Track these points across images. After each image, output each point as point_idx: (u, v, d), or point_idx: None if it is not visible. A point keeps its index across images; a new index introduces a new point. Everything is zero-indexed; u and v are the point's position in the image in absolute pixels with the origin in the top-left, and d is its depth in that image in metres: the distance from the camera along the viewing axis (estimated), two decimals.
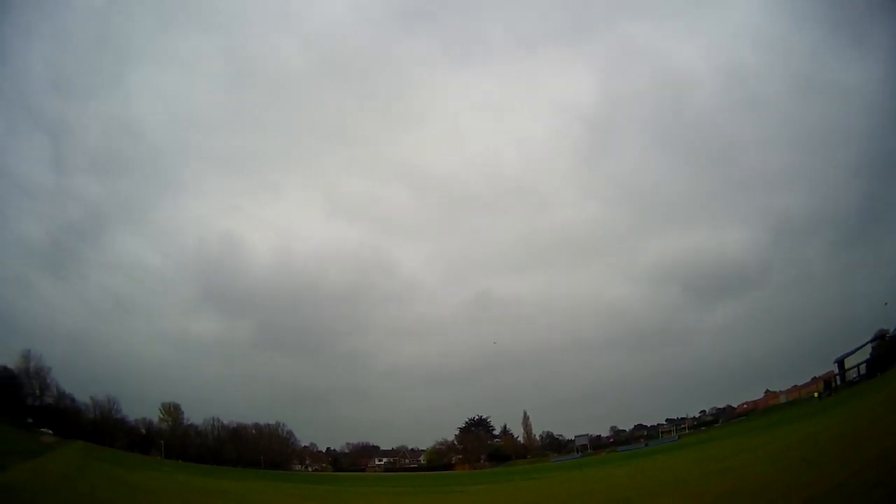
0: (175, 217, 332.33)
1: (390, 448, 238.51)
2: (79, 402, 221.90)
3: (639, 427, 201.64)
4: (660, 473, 63.33)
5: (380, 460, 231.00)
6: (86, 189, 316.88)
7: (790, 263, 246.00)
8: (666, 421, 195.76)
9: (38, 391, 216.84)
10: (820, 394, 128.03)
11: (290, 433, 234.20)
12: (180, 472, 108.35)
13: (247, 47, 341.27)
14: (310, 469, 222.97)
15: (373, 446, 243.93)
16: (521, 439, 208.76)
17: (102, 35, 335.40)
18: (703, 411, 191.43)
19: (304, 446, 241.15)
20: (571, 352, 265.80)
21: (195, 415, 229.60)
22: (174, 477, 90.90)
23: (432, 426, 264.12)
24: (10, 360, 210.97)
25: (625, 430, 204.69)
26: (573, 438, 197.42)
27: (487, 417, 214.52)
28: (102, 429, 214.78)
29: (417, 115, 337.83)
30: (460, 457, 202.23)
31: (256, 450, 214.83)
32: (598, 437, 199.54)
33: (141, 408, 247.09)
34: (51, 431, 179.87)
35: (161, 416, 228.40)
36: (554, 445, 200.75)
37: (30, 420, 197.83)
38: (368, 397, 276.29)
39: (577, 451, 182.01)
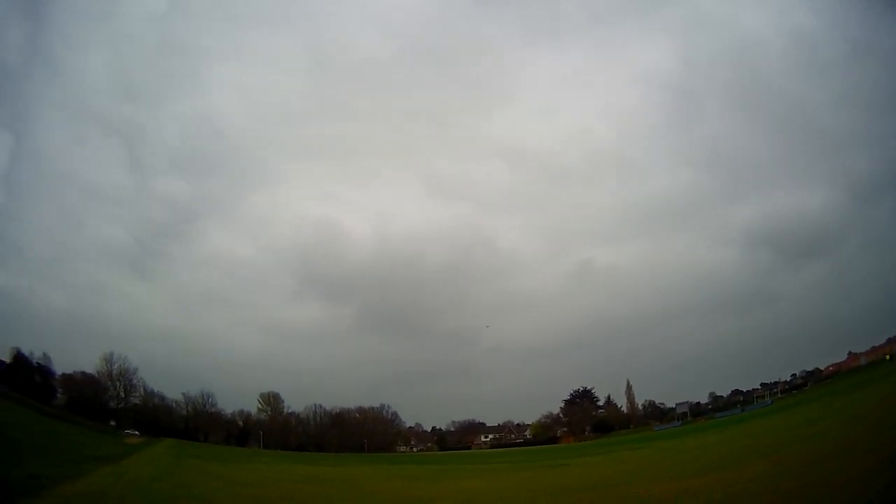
0: (267, 208, 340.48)
1: (496, 424, 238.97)
2: (169, 399, 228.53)
3: (735, 392, 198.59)
4: (752, 440, 62.61)
5: (486, 437, 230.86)
6: (170, 189, 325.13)
7: (867, 224, 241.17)
8: (760, 385, 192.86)
9: (122, 393, 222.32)
10: (892, 355, 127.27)
11: (395, 415, 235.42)
12: (281, 462, 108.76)
13: (326, 38, 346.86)
14: (415, 450, 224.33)
15: (479, 423, 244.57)
16: (624, 409, 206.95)
17: (168, 38, 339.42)
18: (794, 375, 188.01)
19: (410, 427, 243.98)
20: (671, 318, 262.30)
21: (296, 403, 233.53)
22: (274, 467, 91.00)
23: (538, 400, 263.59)
24: (93, 365, 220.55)
25: (722, 396, 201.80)
26: (674, 406, 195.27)
27: (592, 388, 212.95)
28: (196, 424, 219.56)
29: (505, 92, 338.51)
30: (565, 430, 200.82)
31: (360, 434, 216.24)
32: (698, 403, 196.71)
33: (239, 400, 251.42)
34: (137, 432, 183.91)
35: (260, 406, 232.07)
36: (656, 414, 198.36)
37: (113, 423, 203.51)
38: (473, 374, 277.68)
39: (678, 419, 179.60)
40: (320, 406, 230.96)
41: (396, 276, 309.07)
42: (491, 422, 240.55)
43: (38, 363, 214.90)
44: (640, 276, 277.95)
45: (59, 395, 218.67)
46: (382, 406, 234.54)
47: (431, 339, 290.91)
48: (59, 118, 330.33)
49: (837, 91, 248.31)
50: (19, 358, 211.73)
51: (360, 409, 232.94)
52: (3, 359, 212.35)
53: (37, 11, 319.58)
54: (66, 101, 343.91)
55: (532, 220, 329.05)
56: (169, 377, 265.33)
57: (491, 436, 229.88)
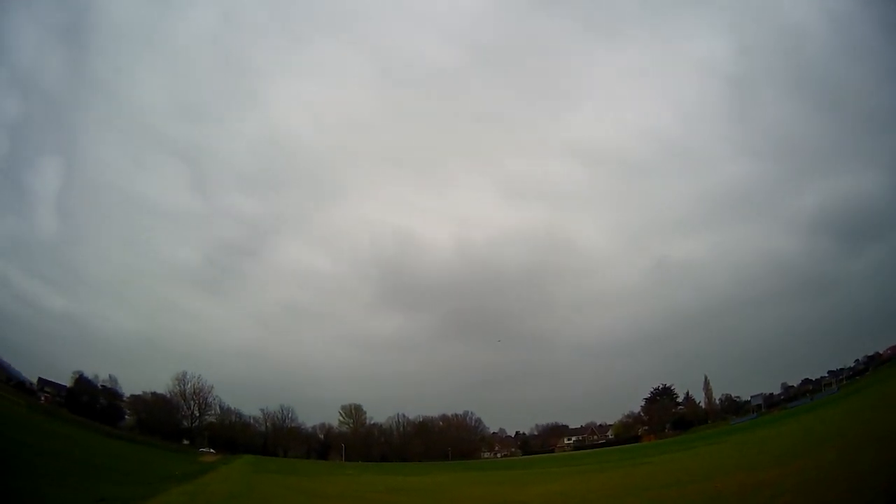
0: (344, 221, 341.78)
1: (579, 426, 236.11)
2: (247, 416, 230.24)
3: (805, 381, 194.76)
4: (821, 428, 62.39)
5: (569, 439, 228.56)
6: (241, 207, 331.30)
7: None
8: (828, 373, 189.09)
9: (196, 412, 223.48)
10: None
11: (479, 421, 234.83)
12: (363, 474, 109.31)
13: (391, 48, 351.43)
14: (499, 455, 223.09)
15: (562, 426, 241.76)
16: (702, 404, 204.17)
17: (225, 56, 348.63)
18: (857, 360, 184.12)
19: (493, 433, 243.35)
20: (743, 310, 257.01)
21: (378, 414, 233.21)
22: (356, 479, 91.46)
23: (619, 399, 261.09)
24: (165, 385, 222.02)
25: (793, 386, 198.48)
26: (749, 399, 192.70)
27: (671, 385, 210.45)
28: (275, 440, 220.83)
29: (571, 90, 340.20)
30: (646, 428, 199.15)
31: (444, 442, 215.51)
32: (771, 394, 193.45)
33: (320, 413, 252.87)
34: (212, 450, 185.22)
35: (341, 419, 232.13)
36: (732, 407, 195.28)
37: (186, 442, 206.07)
38: (555, 376, 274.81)
39: (753, 412, 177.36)
40: (403, 415, 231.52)
41: (476, 282, 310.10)
42: (574, 423, 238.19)
43: (103, 385, 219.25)
44: (713, 269, 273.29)
45: (127, 416, 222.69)
46: (466, 413, 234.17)
47: (513, 343, 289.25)
48: (115, 141, 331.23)
49: (877, 70, 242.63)
50: (82, 381, 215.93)
51: (444, 417, 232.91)
52: (65, 383, 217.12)
53: (77, 38, 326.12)
54: (121, 125, 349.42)
55: (607, 217, 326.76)
56: (247, 394, 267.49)
57: (574, 438, 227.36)
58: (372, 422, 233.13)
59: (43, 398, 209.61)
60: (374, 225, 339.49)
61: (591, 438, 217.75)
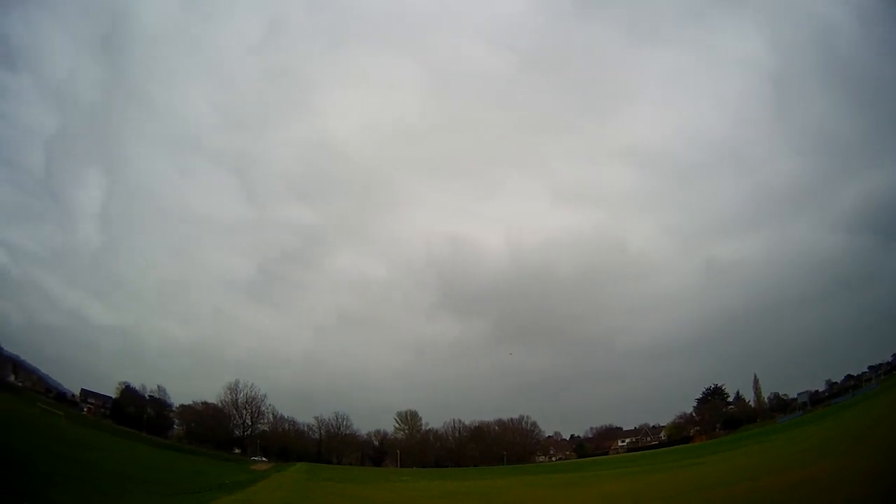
0: (398, 228, 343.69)
1: (632, 428, 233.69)
2: (301, 424, 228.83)
3: (847, 377, 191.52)
4: (860, 425, 61.22)
5: (622, 441, 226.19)
6: (293, 216, 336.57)
7: None
8: (868, 368, 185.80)
9: (249, 420, 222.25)
10: None
11: (534, 425, 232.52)
12: (418, 479, 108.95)
13: (439, 56, 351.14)
14: (554, 459, 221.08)
15: (615, 428, 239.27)
16: (752, 403, 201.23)
17: (270, 66, 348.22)
18: (894, 355, 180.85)
19: (548, 436, 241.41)
20: (788, 308, 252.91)
21: (434, 419, 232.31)
22: (411, 485, 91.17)
23: (671, 400, 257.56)
24: (216, 395, 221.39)
25: (836, 382, 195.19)
26: (796, 396, 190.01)
27: (722, 385, 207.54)
28: (329, 447, 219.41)
29: (618, 94, 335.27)
30: (698, 428, 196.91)
31: (500, 446, 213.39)
32: (816, 392, 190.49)
33: (375, 420, 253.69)
34: (264, 458, 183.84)
35: (397, 425, 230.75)
36: (780, 406, 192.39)
37: (238, 450, 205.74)
38: (608, 378, 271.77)
39: (799, 409, 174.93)
40: (459, 421, 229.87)
41: (530, 286, 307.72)
42: (627, 426, 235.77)
43: (151, 396, 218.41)
44: (760, 268, 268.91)
45: (176, 426, 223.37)
46: (521, 417, 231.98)
47: (567, 346, 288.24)
48: (159, 153, 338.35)
49: None
50: (128, 392, 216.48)
51: (499, 422, 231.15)
52: (110, 394, 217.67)
53: (114, 49, 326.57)
54: (165, 136, 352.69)
55: (658, 219, 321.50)
56: (301, 402, 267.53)
57: (628, 440, 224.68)
58: (427, 427, 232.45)
59: (86, 409, 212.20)
60: (427, 232, 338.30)
61: (645, 440, 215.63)
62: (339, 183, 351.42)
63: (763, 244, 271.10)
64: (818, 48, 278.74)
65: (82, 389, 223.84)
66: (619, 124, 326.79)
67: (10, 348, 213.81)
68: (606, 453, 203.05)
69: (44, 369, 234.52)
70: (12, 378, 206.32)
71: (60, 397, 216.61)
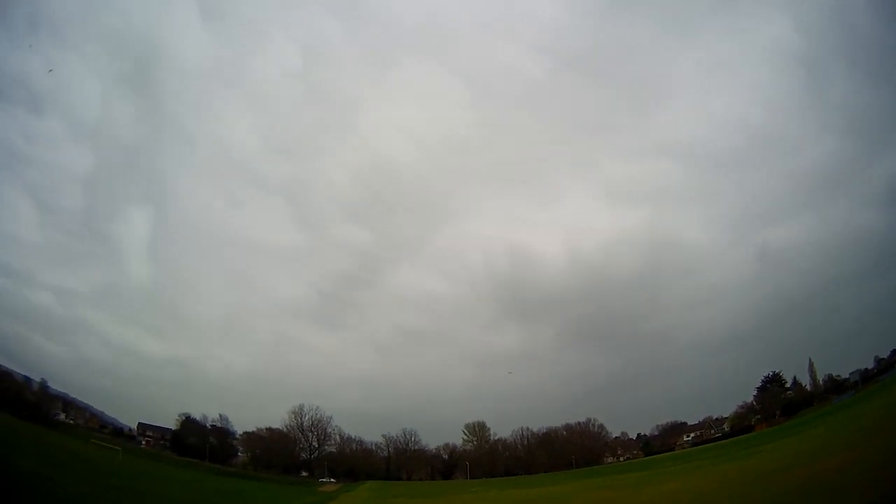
0: (456, 241, 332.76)
1: (696, 421, 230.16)
2: (368, 443, 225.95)
3: (893, 353, 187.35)
4: None
5: (687, 436, 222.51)
6: (350, 237, 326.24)
7: None
8: None
9: (315, 443, 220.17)
10: None
11: (601, 427, 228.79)
12: (489, 489, 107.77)
13: (481, 67, 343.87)
14: (622, 459, 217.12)
15: (680, 423, 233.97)
16: (808, 387, 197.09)
17: (312, 90, 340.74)
18: None
19: (616, 437, 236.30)
20: (840, 287, 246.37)
21: (502, 429, 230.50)
22: (482, 495, 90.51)
23: (733, 391, 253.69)
24: (280, 420, 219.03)
25: (884, 358, 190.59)
26: (848, 376, 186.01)
27: (779, 372, 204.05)
28: (398, 464, 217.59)
29: (659, 90, 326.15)
30: (758, 417, 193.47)
31: (568, 450, 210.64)
32: (866, 370, 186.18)
33: (443, 434, 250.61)
34: (333, 480, 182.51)
35: (465, 437, 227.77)
36: (834, 387, 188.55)
37: (305, 473, 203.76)
38: (670, 374, 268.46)
39: (851, 389, 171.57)
40: (527, 428, 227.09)
41: (591, 289, 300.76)
42: (691, 420, 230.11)
43: (213, 425, 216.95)
44: (808, 251, 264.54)
45: (240, 453, 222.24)
46: (589, 420, 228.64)
47: (629, 346, 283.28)
48: (205, 185, 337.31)
49: None
50: (188, 423, 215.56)
51: (567, 426, 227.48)
52: (169, 426, 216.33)
53: (145, 85, 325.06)
54: (210, 167, 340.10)
55: (706, 211, 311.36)
56: (367, 421, 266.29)
57: (692, 434, 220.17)
58: (496, 437, 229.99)
59: (144, 443, 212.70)
60: (485, 242, 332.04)
61: (709, 433, 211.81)
62: (392, 200, 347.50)
63: (807, 227, 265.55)
64: (838, 27, 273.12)
65: (139, 423, 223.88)
66: (661, 119, 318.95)
67: (59, 387, 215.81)
68: (672, 449, 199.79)
69: (98, 406, 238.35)
70: (62, 416, 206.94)
71: (117, 432, 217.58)
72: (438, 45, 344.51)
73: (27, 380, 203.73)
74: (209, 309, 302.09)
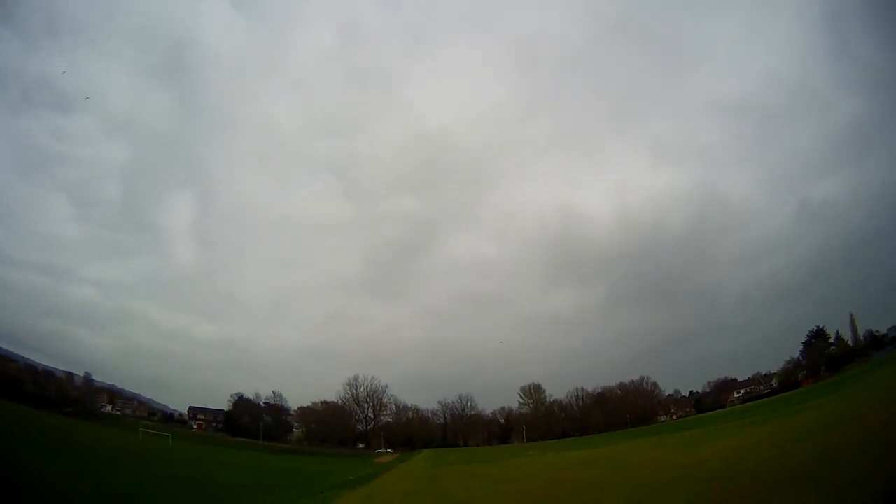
0: (507, 205, 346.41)
1: (746, 378, 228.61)
2: (424, 410, 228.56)
3: None
4: None
5: (737, 392, 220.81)
6: (401, 208, 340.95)
7: None
8: None
9: (371, 414, 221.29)
10: None
11: (654, 385, 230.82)
12: (545, 452, 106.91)
13: (520, 35, 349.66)
14: (674, 417, 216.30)
15: (730, 380, 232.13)
16: (850, 342, 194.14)
17: (352, 70, 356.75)
18: None
19: (668, 395, 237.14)
20: (879, 241, 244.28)
21: (557, 390, 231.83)
22: (538, 458, 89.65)
23: (780, 346, 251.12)
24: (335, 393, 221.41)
25: None
26: (886, 332, 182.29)
27: (823, 327, 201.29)
28: (454, 431, 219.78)
29: (697, 50, 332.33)
30: (805, 372, 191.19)
31: (623, 410, 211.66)
32: None
33: (499, 398, 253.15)
34: (389, 450, 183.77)
35: (521, 400, 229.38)
36: (875, 343, 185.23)
37: (361, 445, 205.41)
38: (720, 331, 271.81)
39: (889, 345, 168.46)
40: (582, 389, 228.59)
41: (640, 248, 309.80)
42: (741, 376, 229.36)
43: (266, 403, 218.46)
44: (846, 205, 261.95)
45: (295, 429, 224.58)
46: (642, 378, 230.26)
47: (679, 304, 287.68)
48: (251, 166, 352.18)
49: None
50: (241, 402, 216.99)
51: (621, 385, 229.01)
52: (222, 408, 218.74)
53: (177, 75, 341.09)
54: (256, 150, 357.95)
55: (749, 168, 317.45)
56: (423, 389, 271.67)
57: (742, 390, 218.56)
58: (552, 399, 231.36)
59: (195, 426, 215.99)
60: (536, 205, 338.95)
61: (759, 389, 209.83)
62: (442, 169, 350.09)
63: (846, 182, 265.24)
64: None
65: (190, 407, 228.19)
66: (701, 78, 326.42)
67: (105, 379, 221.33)
68: (723, 406, 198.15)
69: (147, 394, 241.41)
70: (108, 408, 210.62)
71: (167, 418, 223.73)
72: (478, 15, 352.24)
73: (70, 375, 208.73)
74: (261, 288, 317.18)
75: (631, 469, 51.92)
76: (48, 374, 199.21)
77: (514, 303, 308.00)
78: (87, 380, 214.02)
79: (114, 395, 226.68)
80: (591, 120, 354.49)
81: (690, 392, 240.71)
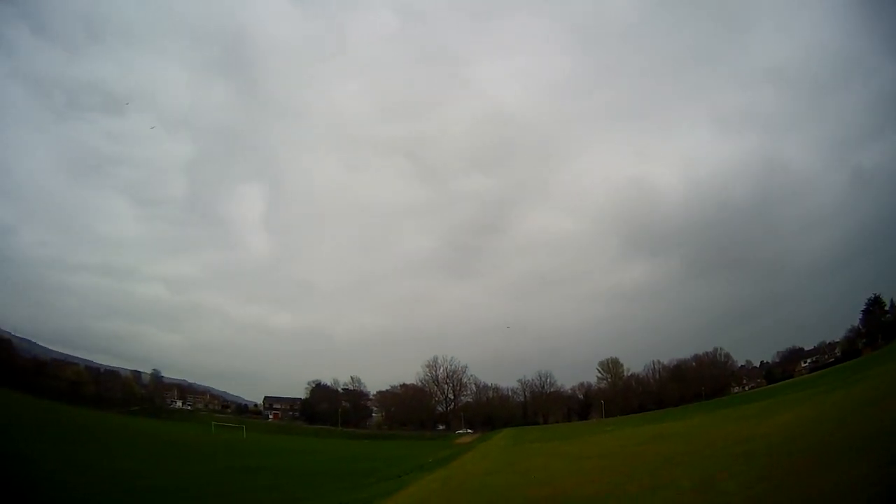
0: (577, 181, 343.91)
1: (812, 347, 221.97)
2: (504, 389, 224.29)
3: None
4: None
5: (804, 362, 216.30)
6: (474, 187, 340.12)
7: None
8: None
9: (451, 395, 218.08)
10: None
11: (727, 356, 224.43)
12: (623, 427, 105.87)
13: (576, 10, 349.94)
14: (747, 388, 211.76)
15: (797, 349, 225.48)
16: None
17: (416, 52, 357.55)
18: None
19: (741, 366, 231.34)
20: None
21: (635, 364, 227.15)
22: (616, 434, 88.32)
23: (842, 315, 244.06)
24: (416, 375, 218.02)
25: None
26: None
27: (879, 295, 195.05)
28: (534, 408, 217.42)
29: (749, 17, 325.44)
30: (865, 341, 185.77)
31: (698, 382, 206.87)
32: None
33: (577, 373, 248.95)
34: (470, 430, 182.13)
35: (599, 374, 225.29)
36: None
37: (442, 427, 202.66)
38: (788, 299, 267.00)
39: None
40: (658, 362, 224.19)
41: (709, 218, 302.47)
42: (808, 345, 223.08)
43: (345, 388, 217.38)
44: None
45: (374, 413, 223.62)
46: (715, 350, 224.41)
47: (747, 274, 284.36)
48: (320, 154, 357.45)
49: None
50: (318, 390, 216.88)
51: (696, 357, 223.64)
52: (299, 396, 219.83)
53: (237, 71, 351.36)
54: (324, 138, 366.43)
55: (807, 137, 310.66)
56: (503, 367, 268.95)
57: (809, 360, 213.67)
58: (629, 373, 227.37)
59: (271, 416, 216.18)
60: (606, 179, 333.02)
61: (824, 358, 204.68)
62: (514, 147, 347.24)
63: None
64: None
65: (266, 397, 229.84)
66: (754, 45, 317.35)
67: (176, 375, 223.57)
68: (791, 376, 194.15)
69: (220, 387, 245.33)
70: (178, 404, 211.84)
71: (241, 410, 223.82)
72: None
73: (136, 374, 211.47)
74: (337, 274, 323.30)
75: (704, 443, 51.48)
76: (112, 374, 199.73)
77: (589, 276, 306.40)
78: (156, 377, 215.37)
79: (184, 390, 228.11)
80: (653, 91, 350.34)
81: (761, 363, 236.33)
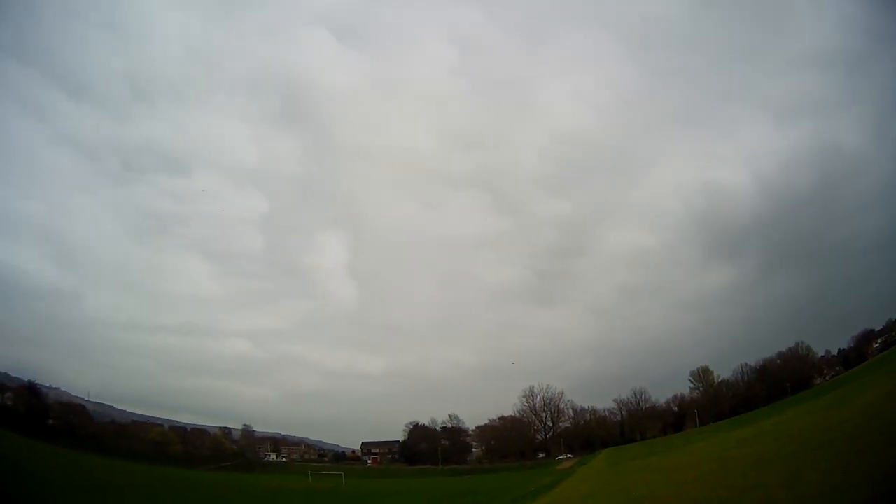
0: (649, 192, 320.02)
1: (882, 326, 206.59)
2: (601, 410, 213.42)
3: None
4: None
5: (875, 342, 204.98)
6: (553, 211, 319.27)
7: None
8: None
9: (549, 422, 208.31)
10: None
11: (808, 349, 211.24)
12: (716, 434, 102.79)
13: (624, 21, 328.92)
14: (827, 378, 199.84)
15: (869, 331, 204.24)
16: None
17: (480, 82, 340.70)
18: None
19: (821, 357, 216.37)
20: None
21: (724, 369, 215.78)
22: (710, 441, 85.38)
23: None
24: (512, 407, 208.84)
25: None
26: None
27: None
28: (630, 426, 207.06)
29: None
30: None
31: (783, 378, 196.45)
32: None
33: (671, 386, 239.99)
34: (569, 455, 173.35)
35: (692, 384, 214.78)
36: None
37: (541, 455, 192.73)
38: (856, 282, 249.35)
39: None
40: (745, 364, 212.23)
41: (777, 211, 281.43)
42: (878, 325, 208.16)
43: (443, 427, 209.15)
44: None
45: (474, 448, 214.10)
46: (797, 344, 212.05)
47: (818, 261, 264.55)
48: (395, 194, 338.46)
49: None
50: (416, 431, 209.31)
51: (780, 354, 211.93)
52: (397, 439, 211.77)
53: (301, 121, 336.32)
54: (397, 177, 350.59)
55: (853, 116, 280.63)
56: (597, 388, 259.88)
57: (880, 339, 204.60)
58: (720, 379, 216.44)
59: (369, 461, 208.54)
60: (678, 187, 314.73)
61: (892, 336, 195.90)
62: (585, 167, 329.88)
63: None
64: None
65: (363, 443, 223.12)
66: (796, 31, 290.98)
67: (267, 428, 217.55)
68: (865, 358, 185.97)
69: (314, 437, 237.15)
70: (272, 456, 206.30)
71: (338, 458, 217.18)
72: (583, 10, 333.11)
73: (226, 430, 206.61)
74: (424, 313, 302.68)
75: (789, 439, 50.50)
76: (199, 432, 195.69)
77: (673, 286, 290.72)
78: (247, 431, 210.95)
79: (278, 442, 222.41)
80: (707, 91, 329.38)
81: (839, 350, 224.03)
